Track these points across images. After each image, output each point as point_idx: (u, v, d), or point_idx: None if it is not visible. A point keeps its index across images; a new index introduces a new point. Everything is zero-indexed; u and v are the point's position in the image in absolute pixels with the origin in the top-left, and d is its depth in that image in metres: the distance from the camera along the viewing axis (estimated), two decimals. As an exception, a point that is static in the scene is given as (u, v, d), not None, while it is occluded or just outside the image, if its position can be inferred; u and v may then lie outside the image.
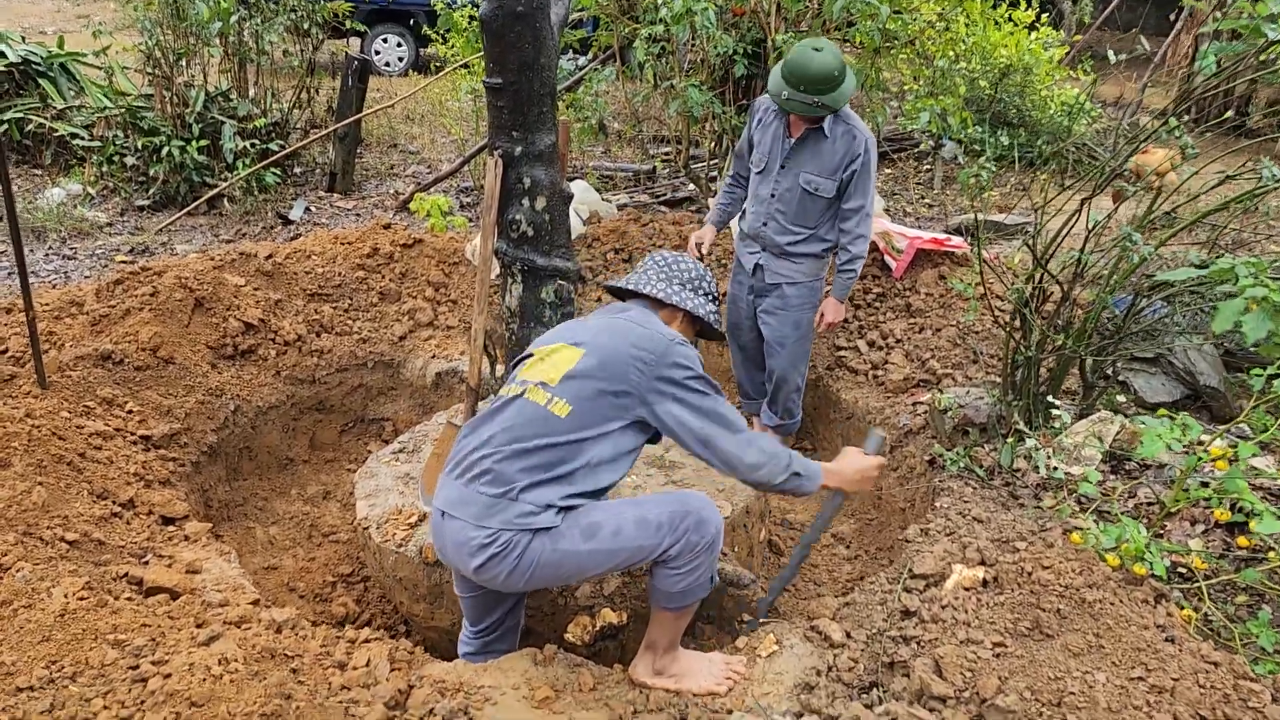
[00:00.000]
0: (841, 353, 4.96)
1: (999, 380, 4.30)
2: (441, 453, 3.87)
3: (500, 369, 3.81)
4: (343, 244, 5.66)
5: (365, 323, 5.33)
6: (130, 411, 4.11)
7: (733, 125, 6.84)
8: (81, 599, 2.50)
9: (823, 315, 4.42)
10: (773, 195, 4.31)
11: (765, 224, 4.37)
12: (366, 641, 2.81)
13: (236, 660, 2.24)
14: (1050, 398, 3.78)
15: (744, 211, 4.54)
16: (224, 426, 4.51)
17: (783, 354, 4.48)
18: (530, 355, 2.84)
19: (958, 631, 2.64)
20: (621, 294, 3.02)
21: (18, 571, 2.60)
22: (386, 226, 5.89)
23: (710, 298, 2.95)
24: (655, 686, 2.75)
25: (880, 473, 2.89)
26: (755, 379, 4.81)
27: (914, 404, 4.39)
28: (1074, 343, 3.62)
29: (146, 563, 3.13)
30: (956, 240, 5.18)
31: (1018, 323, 3.86)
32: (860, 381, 4.78)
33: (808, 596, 3.90)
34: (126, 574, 2.94)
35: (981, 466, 3.72)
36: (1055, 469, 3.53)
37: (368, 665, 2.64)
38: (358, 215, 7.59)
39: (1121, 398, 4.19)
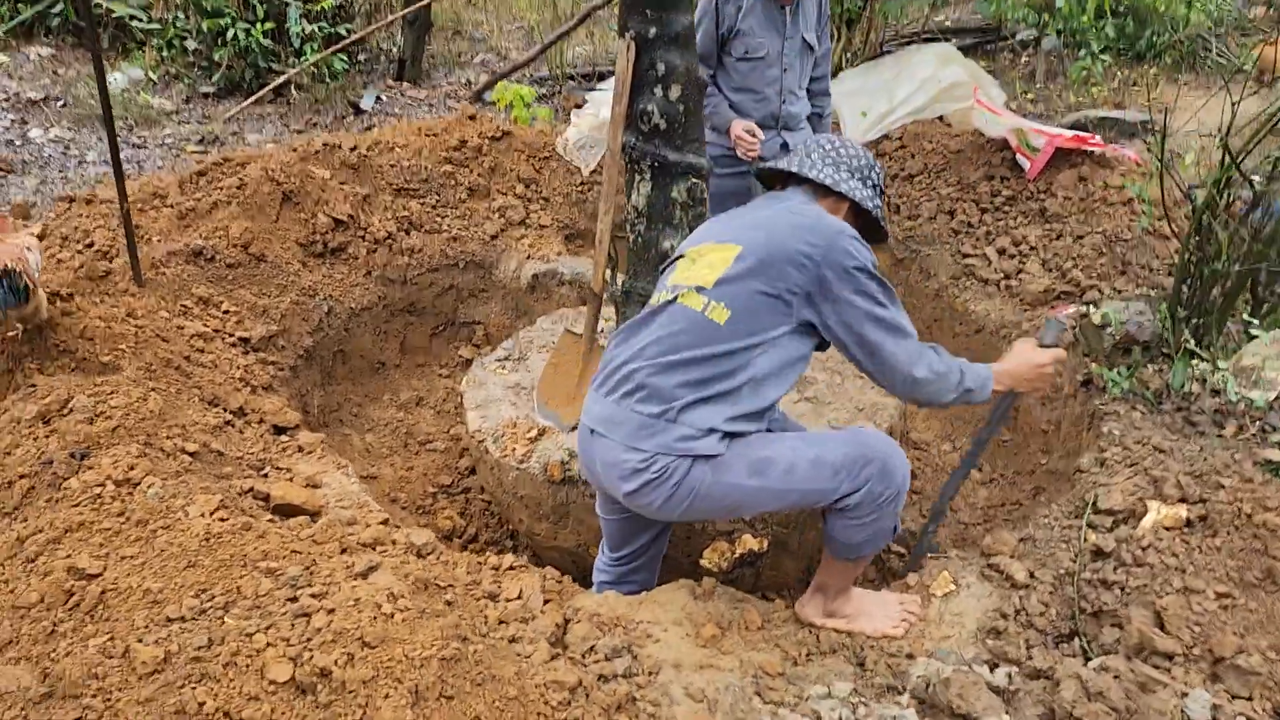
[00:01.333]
0: (969, 261, 4.62)
1: (1153, 293, 3.97)
2: (559, 363, 3.64)
3: (621, 276, 3.52)
4: (427, 136, 5.33)
5: (454, 220, 5.05)
6: (227, 312, 3.89)
7: (856, 7, 6.28)
8: (222, 520, 2.32)
9: None
10: (785, 70, 4.21)
11: (785, 103, 4.26)
12: (512, 568, 2.62)
13: (404, 595, 2.04)
14: (1229, 314, 3.45)
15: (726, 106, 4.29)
16: (319, 329, 4.30)
17: None
18: (680, 257, 2.55)
19: (1171, 579, 2.38)
20: (774, 180, 2.70)
21: (149, 487, 2.42)
22: (471, 118, 5.54)
23: (879, 191, 2.57)
24: (826, 627, 2.54)
25: (1060, 368, 2.57)
26: None
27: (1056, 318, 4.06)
28: (1270, 252, 3.26)
29: (265, 475, 2.95)
30: (1100, 140, 4.75)
31: (1186, 229, 3.50)
32: (991, 292, 4.45)
33: (943, 523, 3.67)
34: (252, 489, 2.75)
35: (1149, 389, 3.41)
36: (1239, 394, 3.23)
37: (520, 597, 2.44)
38: (430, 105, 7.23)
39: (1290, 316, 3.84)
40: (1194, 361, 3.47)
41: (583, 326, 3.97)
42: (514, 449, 3.39)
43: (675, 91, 3.27)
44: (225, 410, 3.21)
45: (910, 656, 2.43)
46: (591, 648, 2.34)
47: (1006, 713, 2.10)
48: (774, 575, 3.31)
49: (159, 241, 4.11)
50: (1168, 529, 2.58)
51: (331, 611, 1.98)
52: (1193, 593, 2.32)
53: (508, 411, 3.62)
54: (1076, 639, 2.39)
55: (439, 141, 5.28)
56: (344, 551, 2.35)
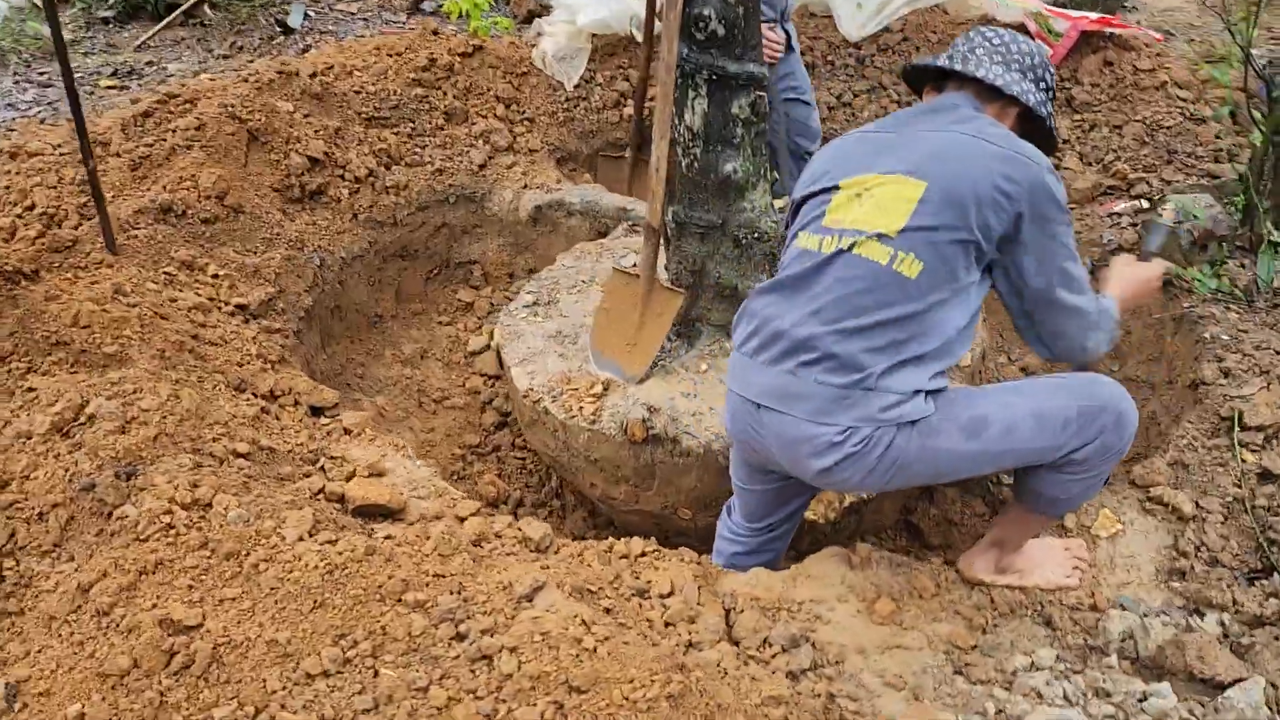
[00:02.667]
0: (998, 159, 4.36)
1: (1208, 184, 3.80)
2: (611, 307, 3.29)
3: (673, 206, 3.14)
4: (390, 55, 4.77)
5: (435, 150, 4.55)
6: (216, 276, 3.40)
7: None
8: (331, 542, 1.94)
9: None
10: None
11: None
12: (644, 555, 2.31)
13: (596, 621, 1.73)
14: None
15: None
16: (315, 285, 3.82)
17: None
18: (833, 189, 2.17)
19: (1365, 500, 2.23)
20: (923, 77, 2.30)
21: (226, 509, 2.02)
22: (435, 33, 4.98)
23: (1051, 94, 2.21)
24: (998, 584, 2.32)
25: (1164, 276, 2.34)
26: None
27: (1109, 215, 3.87)
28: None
29: (324, 469, 2.56)
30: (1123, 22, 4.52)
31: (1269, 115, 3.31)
32: (1030, 192, 4.21)
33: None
34: (323, 489, 2.37)
35: (1237, 287, 3.26)
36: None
37: (673, 591, 2.15)
38: (365, 19, 6.55)
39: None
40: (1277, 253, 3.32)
41: (634, 264, 3.61)
42: (580, 408, 3.05)
43: (736, -9, 2.88)
44: (255, 395, 2.78)
45: (1095, 609, 2.23)
46: (765, 640, 2.07)
47: (1247, 671, 1.92)
48: (875, 518, 3.10)
49: (115, 198, 3.55)
50: (1338, 442, 2.43)
51: (515, 650, 1.66)
52: (1398, 514, 2.17)
53: (556, 364, 3.27)
54: (1276, 575, 2.22)
55: (404, 61, 4.73)
56: (476, 561, 2.01)
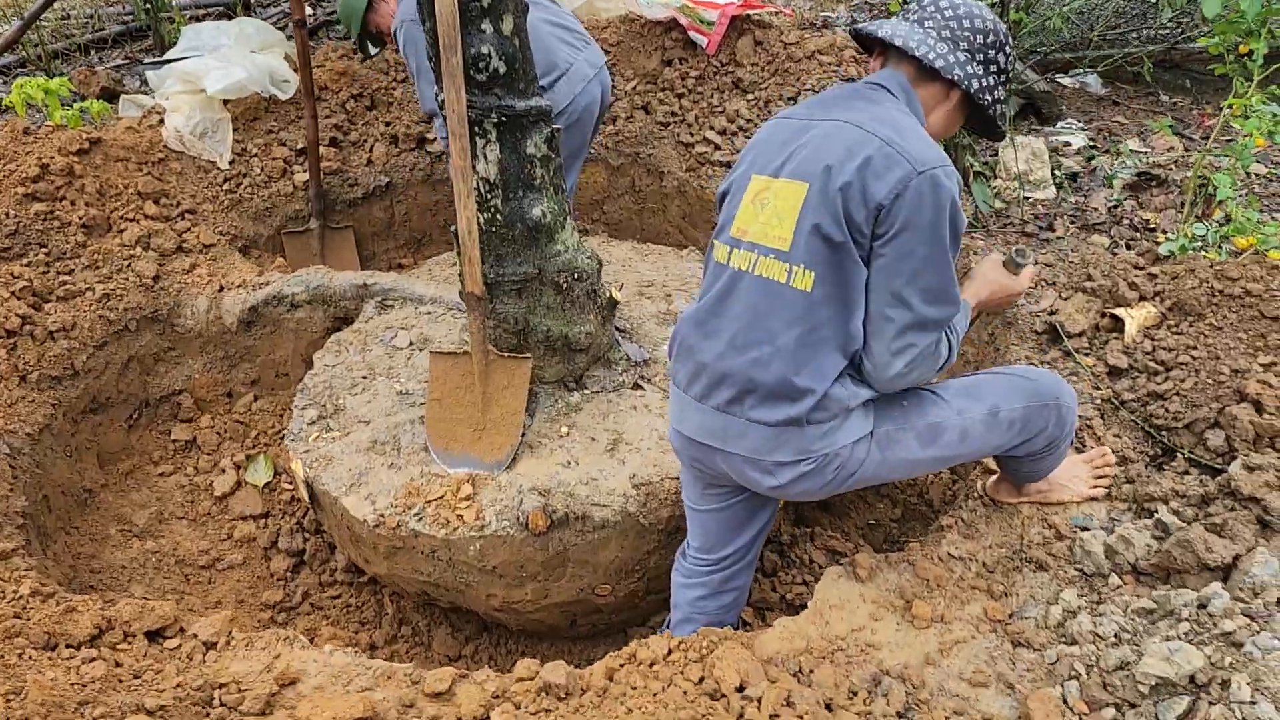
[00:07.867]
0: (697, 149, 4.48)
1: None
2: (442, 396, 2.90)
3: (480, 269, 2.79)
4: (-18, 170, 3.78)
5: (88, 273, 3.69)
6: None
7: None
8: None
9: None
10: None
11: None
12: (670, 654, 2.05)
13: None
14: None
15: None
16: (17, 480, 2.93)
17: None
18: (741, 194, 2.00)
19: (1217, 366, 2.57)
20: (870, 46, 2.12)
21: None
22: (27, 132, 4.02)
23: (1003, 78, 2.01)
24: (1022, 501, 2.42)
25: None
26: None
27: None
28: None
29: (228, 705, 1.96)
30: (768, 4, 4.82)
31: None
32: (741, 174, 4.38)
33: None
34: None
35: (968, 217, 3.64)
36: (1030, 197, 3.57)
37: (745, 683, 1.93)
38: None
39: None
40: (987, 180, 3.76)
41: (450, 344, 3.22)
42: (458, 517, 2.65)
43: (508, 24, 2.62)
44: (74, 648, 2.06)
45: (1060, 537, 2.36)
46: (850, 690, 1.94)
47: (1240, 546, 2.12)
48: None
49: None
50: (1153, 328, 2.78)
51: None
52: (1243, 373, 2.53)
53: (394, 479, 2.82)
54: (1178, 454, 2.50)
55: (5, 174, 3.76)
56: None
